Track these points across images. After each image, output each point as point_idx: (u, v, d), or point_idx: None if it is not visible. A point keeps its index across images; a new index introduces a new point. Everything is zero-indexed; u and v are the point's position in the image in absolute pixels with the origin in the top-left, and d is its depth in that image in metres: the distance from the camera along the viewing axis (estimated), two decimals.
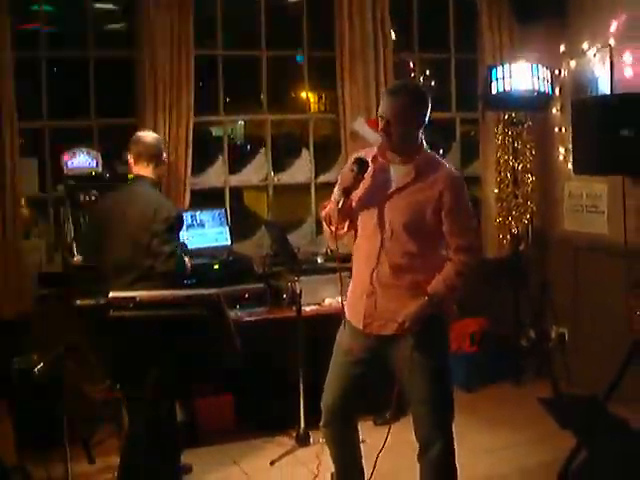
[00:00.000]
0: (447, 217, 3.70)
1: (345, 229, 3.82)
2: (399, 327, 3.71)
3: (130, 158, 4.68)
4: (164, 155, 4.78)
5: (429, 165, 3.76)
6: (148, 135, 4.81)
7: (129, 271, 4.38)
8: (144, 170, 4.63)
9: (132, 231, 4.42)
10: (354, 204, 3.79)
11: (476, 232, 3.78)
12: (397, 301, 3.73)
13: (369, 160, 3.75)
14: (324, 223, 3.87)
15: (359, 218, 3.82)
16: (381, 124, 3.72)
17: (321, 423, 4.06)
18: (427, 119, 3.79)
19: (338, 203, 3.66)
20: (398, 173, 3.75)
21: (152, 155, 4.65)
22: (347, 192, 3.67)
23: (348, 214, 3.79)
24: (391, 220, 3.71)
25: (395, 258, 3.72)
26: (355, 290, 3.89)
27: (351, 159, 3.80)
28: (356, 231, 3.88)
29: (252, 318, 5.54)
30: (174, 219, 4.48)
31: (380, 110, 3.73)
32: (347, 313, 3.93)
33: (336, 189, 3.77)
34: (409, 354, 3.71)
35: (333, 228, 3.74)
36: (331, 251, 5.44)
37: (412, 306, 3.70)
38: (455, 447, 3.89)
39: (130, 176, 4.77)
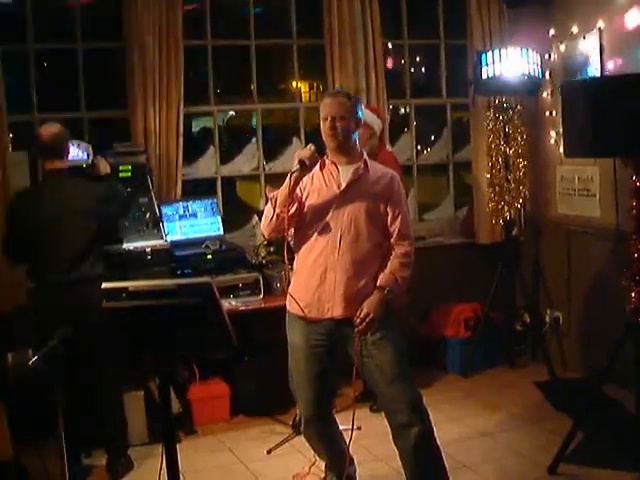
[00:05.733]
0: (392, 206, 4.05)
1: (291, 212, 3.94)
2: (361, 320, 3.92)
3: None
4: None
5: (373, 164, 4.14)
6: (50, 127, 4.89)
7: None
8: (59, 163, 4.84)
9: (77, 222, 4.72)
10: (305, 205, 4.02)
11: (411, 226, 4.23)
12: (353, 288, 3.97)
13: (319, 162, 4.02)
14: (268, 206, 4.01)
15: (309, 219, 4.03)
16: (326, 125, 3.94)
17: (302, 427, 4.29)
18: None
19: (291, 177, 3.85)
20: (347, 171, 4.03)
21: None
22: (303, 165, 3.88)
23: (292, 204, 3.96)
24: (349, 212, 3.97)
25: (354, 249, 3.96)
26: (308, 283, 4.03)
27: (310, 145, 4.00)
28: (300, 231, 4.08)
29: (246, 307, 5.56)
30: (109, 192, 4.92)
31: (324, 112, 3.97)
32: (297, 308, 4.04)
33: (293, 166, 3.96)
34: (359, 339, 3.94)
35: (278, 210, 3.91)
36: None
37: (372, 297, 3.95)
38: (433, 426, 4.01)
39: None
